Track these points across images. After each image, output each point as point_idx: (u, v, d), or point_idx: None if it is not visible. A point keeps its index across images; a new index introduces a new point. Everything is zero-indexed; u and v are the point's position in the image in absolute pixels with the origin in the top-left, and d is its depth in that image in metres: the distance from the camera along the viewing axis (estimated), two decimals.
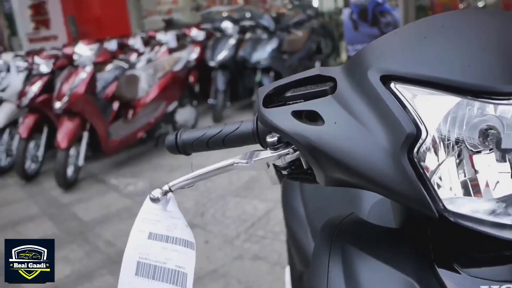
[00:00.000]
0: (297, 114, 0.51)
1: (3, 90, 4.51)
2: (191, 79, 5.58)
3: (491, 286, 0.45)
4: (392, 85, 0.45)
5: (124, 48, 6.85)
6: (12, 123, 4.55)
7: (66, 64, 4.23)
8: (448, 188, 0.44)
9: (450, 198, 0.44)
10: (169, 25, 9.17)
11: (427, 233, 0.50)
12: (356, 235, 0.57)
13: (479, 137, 0.43)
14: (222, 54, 5.58)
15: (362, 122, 0.46)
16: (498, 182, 0.43)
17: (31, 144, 4.26)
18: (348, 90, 0.49)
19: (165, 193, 0.58)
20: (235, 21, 5.88)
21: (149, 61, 5.08)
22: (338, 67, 0.53)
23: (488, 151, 0.43)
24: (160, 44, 6.05)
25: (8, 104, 4.47)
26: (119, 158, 4.59)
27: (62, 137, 3.75)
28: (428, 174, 0.44)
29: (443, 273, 0.47)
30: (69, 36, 9.96)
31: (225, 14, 7.72)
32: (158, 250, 0.56)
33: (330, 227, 0.58)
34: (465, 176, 0.44)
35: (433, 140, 0.44)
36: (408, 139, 0.43)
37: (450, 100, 0.43)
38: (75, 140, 3.87)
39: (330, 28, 7.37)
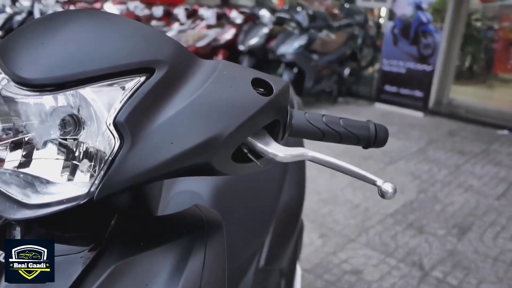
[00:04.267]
0: None
1: None
2: (219, 58, 5.72)
3: None
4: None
5: (169, 15, 7.10)
6: None
7: None
8: None
9: None
10: (225, 2, 9.32)
11: None
12: None
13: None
14: (253, 40, 5.66)
15: None
16: (22, 160, 0.49)
17: None
18: None
19: None
20: (273, 11, 5.93)
21: (180, 32, 5.25)
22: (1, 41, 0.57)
23: (29, 134, 0.49)
24: (201, 19, 6.22)
25: None
26: None
27: None
28: None
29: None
30: None
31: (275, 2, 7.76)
32: None
33: None
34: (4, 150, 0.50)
35: None
36: None
37: None
38: None
39: (375, 39, 7.26)
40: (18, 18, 5.56)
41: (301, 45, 5.43)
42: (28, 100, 0.48)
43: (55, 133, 0.49)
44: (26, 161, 0.49)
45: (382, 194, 0.53)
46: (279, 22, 6.00)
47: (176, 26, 6.35)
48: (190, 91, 0.51)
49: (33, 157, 0.49)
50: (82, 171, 0.48)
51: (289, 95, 0.58)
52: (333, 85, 6.12)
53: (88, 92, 0.47)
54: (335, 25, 6.37)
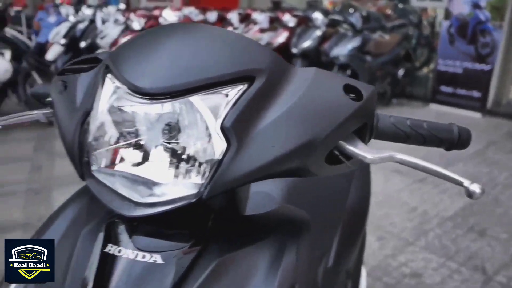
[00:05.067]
0: (65, 83, 0.64)
1: (102, 38, 5.10)
2: None
3: (142, 254, 0.55)
4: (107, 73, 0.57)
5: (223, 20, 7.25)
6: None
7: (154, 25, 4.66)
8: (102, 160, 0.56)
9: (102, 168, 0.56)
10: (277, 6, 9.39)
11: None
12: None
13: (128, 129, 0.54)
14: (306, 43, 5.70)
15: (81, 94, 0.60)
16: (134, 164, 0.55)
17: None
18: (96, 70, 0.62)
19: None
20: (326, 13, 5.94)
21: None
22: (108, 53, 0.64)
23: (138, 140, 0.54)
24: (254, 22, 6.33)
25: (103, 52, 5.04)
26: None
27: None
28: (91, 144, 0.56)
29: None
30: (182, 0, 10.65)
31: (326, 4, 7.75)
32: None
33: None
34: (116, 155, 0.55)
35: (103, 122, 0.56)
36: (86, 112, 0.57)
37: (114, 90, 0.55)
38: None
39: (430, 39, 7.11)
40: (81, 26, 5.85)
41: (355, 47, 5.40)
42: (141, 108, 0.54)
43: (161, 138, 0.54)
44: (138, 164, 0.54)
45: (470, 195, 0.55)
46: (332, 24, 5.99)
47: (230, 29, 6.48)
48: (288, 97, 0.55)
49: (144, 160, 0.54)
50: (188, 173, 0.53)
51: (375, 100, 0.61)
52: (386, 87, 6.04)
53: (196, 99, 0.52)
54: (388, 25, 6.29)
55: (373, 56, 5.75)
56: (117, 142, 0.56)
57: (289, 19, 6.21)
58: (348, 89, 0.58)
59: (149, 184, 0.54)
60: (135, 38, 0.62)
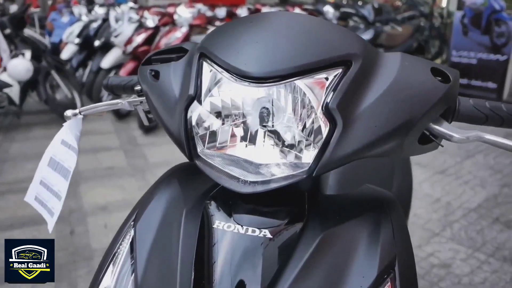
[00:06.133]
0: (152, 72, 0.67)
1: (116, 36, 5.10)
2: None
3: (241, 226, 0.59)
4: (204, 60, 0.60)
5: (232, 16, 7.23)
6: (117, 67, 5.15)
7: (168, 22, 4.67)
8: (208, 142, 0.59)
9: (206, 150, 0.59)
10: (284, 1, 9.37)
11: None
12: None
13: (237, 111, 0.57)
14: None
15: (177, 81, 0.62)
16: (239, 146, 0.58)
17: None
18: (186, 58, 0.65)
19: (75, 115, 0.80)
20: (336, 6, 5.93)
21: None
22: (196, 44, 0.67)
23: (239, 123, 0.57)
24: None
25: (117, 50, 5.05)
26: None
27: None
28: (195, 128, 0.58)
29: (213, 209, 0.62)
30: None
31: None
32: (63, 152, 0.79)
33: None
34: (219, 137, 0.59)
35: (205, 108, 0.58)
36: (189, 98, 0.59)
37: (222, 76, 0.57)
38: None
39: (441, 30, 7.06)
40: (94, 25, 5.85)
41: (367, 39, 5.38)
42: (241, 92, 0.56)
43: (260, 121, 0.57)
44: (242, 146, 0.58)
45: None
46: (343, 17, 5.98)
47: None
48: (382, 79, 0.57)
49: (247, 142, 0.57)
50: (293, 153, 0.56)
51: (459, 83, 0.62)
52: None
53: (300, 83, 0.55)
54: (400, 17, 6.26)
55: (385, 48, 5.72)
56: (219, 125, 0.59)
57: None
58: (435, 72, 0.60)
59: (255, 164, 0.57)
60: (225, 27, 0.65)
